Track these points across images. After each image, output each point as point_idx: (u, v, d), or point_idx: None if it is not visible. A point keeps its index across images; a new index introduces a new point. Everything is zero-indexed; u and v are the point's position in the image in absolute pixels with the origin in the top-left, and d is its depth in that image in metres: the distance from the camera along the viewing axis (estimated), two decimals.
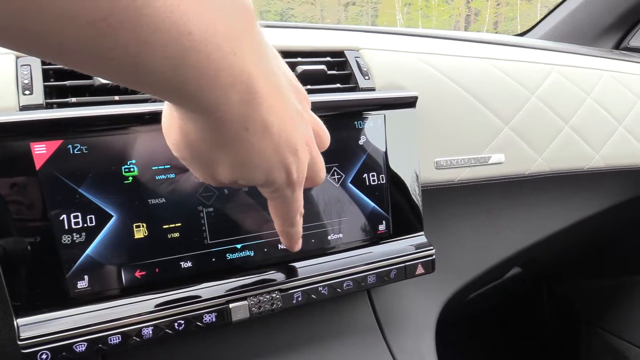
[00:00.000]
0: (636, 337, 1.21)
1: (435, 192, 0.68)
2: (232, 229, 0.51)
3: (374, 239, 0.60)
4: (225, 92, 0.25)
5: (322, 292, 0.56)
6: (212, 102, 0.25)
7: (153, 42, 0.21)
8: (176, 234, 0.48)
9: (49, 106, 0.47)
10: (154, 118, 0.45)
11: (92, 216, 0.45)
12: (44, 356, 0.43)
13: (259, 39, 0.27)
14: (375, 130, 0.58)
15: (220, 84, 0.25)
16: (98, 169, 0.45)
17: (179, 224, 0.48)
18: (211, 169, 0.31)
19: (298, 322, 0.63)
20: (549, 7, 1.24)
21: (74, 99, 0.48)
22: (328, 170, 0.56)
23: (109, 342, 0.46)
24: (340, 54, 0.64)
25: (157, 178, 0.47)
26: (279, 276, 0.53)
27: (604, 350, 1.30)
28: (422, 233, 0.63)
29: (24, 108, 0.46)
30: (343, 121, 0.56)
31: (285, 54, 0.61)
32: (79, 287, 0.45)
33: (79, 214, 0.44)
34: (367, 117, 0.58)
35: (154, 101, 0.47)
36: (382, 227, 0.60)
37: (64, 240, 0.44)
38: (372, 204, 0.59)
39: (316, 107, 0.53)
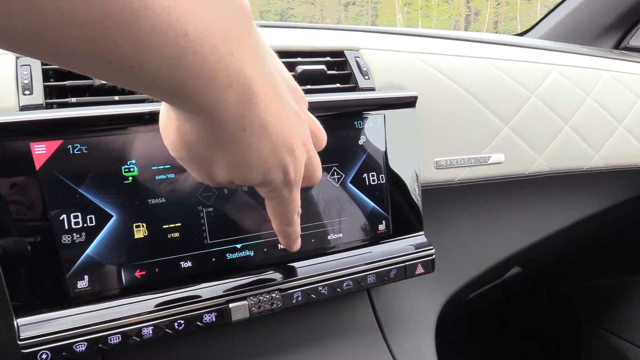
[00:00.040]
0: (636, 337, 1.21)
1: (435, 192, 0.68)
2: (232, 229, 0.51)
3: (374, 238, 0.60)
4: (222, 93, 0.25)
5: (322, 292, 0.56)
6: (209, 102, 0.26)
7: (150, 44, 0.21)
8: (176, 234, 0.48)
9: (48, 106, 0.47)
10: (154, 118, 0.45)
11: (92, 216, 0.45)
12: (44, 356, 0.43)
13: (255, 40, 0.27)
14: (375, 130, 0.58)
15: (217, 85, 0.25)
16: (98, 169, 0.45)
17: (179, 224, 0.49)
18: (208, 169, 0.31)
19: (298, 322, 0.63)
20: (549, 7, 1.24)
21: (73, 99, 0.48)
22: (328, 170, 0.56)
23: (109, 342, 0.46)
24: (340, 53, 0.65)
25: (157, 178, 0.47)
26: (278, 276, 0.53)
27: (604, 350, 1.30)
28: (422, 233, 0.63)
29: (24, 108, 0.46)
30: (343, 121, 0.56)
31: (285, 54, 0.61)
32: (79, 287, 0.45)
33: (79, 214, 0.44)
34: (366, 117, 0.58)
35: (154, 101, 0.46)
36: (382, 227, 0.60)
37: (64, 240, 0.44)
38: (372, 203, 0.59)
39: (316, 107, 0.53)
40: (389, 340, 0.67)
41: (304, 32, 0.71)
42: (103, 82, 0.48)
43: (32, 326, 0.44)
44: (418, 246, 0.62)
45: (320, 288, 0.55)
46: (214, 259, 0.51)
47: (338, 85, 0.62)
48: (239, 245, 0.52)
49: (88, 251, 0.45)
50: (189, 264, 0.49)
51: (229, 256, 0.51)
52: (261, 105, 0.28)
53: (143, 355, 0.54)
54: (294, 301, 0.54)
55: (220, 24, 0.24)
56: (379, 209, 0.59)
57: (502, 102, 0.73)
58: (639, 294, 1.22)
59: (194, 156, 0.31)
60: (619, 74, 0.88)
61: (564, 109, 0.79)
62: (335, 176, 0.56)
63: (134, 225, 0.47)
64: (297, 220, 0.39)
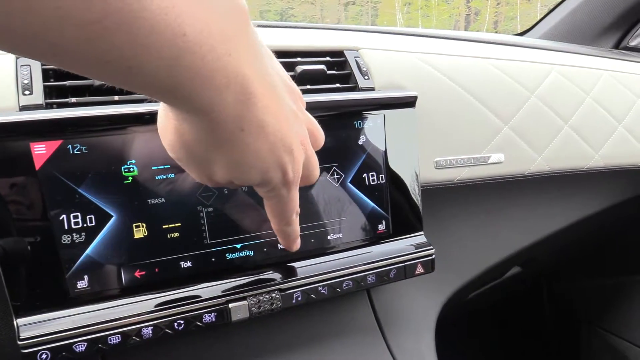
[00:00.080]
0: (636, 337, 1.21)
1: (435, 192, 0.68)
2: (232, 229, 0.51)
3: (374, 238, 0.60)
4: (220, 93, 0.25)
5: (322, 291, 0.56)
6: (207, 102, 0.26)
7: (148, 44, 0.21)
8: (176, 234, 0.48)
9: (48, 106, 0.47)
10: (154, 118, 0.45)
11: (92, 216, 0.45)
12: (43, 356, 0.43)
13: (253, 40, 0.27)
14: (374, 130, 0.58)
15: (215, 85, 0.25)
16: (98, 169, 0.45)
17: (179, 224, 0.49)
18: (207, 169, 0.31)
19: (298, 322, 0.63)
20: (549, 7, 1.24)
21: (73, 99, 0.48)
22: (328, 170, 0.56)
23: (109, 342, 0.46)
24: (339, 53, 0.65)
25: (156, 178, 0.47)
26: (278, 276, 0.53)
27: (604, 349, 1.30)
28: (422, 233, 0.63)
29: (23, 108, 0.46)
30: (342, 121, 0.56)
31: (285, 54, 0.61)
32: (78, 287, 0.45)
33: (79, 214, 0.44)
34: (366, 117, 0.58)
35: (154, 101, 0.46)
36: (381, 227, 0.60)
37: (64, 240, 0.44)
38: (372, 203, 0.59)
39: (316, 107, 0.53)
40: (388, 340, 0.67)
41: (303, 32, 0.71)
42: (103, 82, 0.48)
43: (32, 326, 0.44)
44: (418, 246, 0.62)
45: (320, 288, 0.55)
46: (213, 259, 0.51)
47: (338, 85, 0.62)
48: (238, 245, 0.52)
49: (88, 251, 0.45)
50: (188, 264, 0.49)
51: (229, 256, 0.52)
52: (259, 105, 0.28)
53: (143, 355, 0.54)
54: (294, 301, 0.54)
55: (218, 24, 0.24)
56: (379, 208, 0.59)
57: (502, 102, 0.73)
58: (638, 293, 1.22)
59: (193, 156, 0.31)
60: (618, 73, 0.88)
61: (563, 109, 0.79)
62: (335, 176, 0.56)
63: (134, 225, 0.47)
64: (296, 219, 0.39)
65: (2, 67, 0.47)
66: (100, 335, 0.45)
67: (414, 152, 0.62)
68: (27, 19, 0.19)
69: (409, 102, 0.61)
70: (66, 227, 0.44)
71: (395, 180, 0.60)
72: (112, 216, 0.46)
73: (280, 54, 0.60)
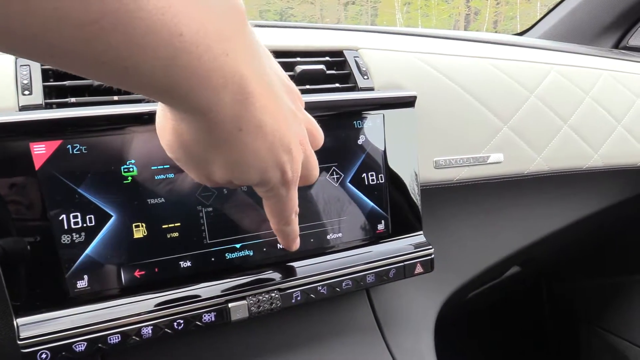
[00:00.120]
0: (636, 336, 1.21)
1: (434, 192, 0.68)
2: (231, 229, 0.51)
3: (373, 238, 0.60)
4: (218, 93, 0.25)
5: (321, 291, 0.56)
6: (204, 102, 0.26)
7: (144, 44, 0.22)
8: (175, 234, 0.49)
9: (48, 106, 0.47)
10: (153, 118, 0.45)
11: (92, 216, 0.45)
12: (43, 356, 0.43)
13: (250, 39, 0.27)
14: (374, 130, 0.58)
15: (212, 85, 0.25)
16: (97, 169, 0.45)
17: (178, 224, 0.49)
18: (206, 169, 0.31)
19: (297, 321, 0.63)
20: (549, 6, 1.24)
21: (73, 99, 0.48)
22: (327, 170, 0.56)
23: (109, 342, 0.46)
24: (339, 53, 0.65)
25: (156, 178, 0.47)
26: (278, 276, 0.54)
27: (604, 349, 1.30)
28: (421, 232, 0.63)
29: (23, 108, 0.46)
30: (342, 121, 0.57)
31: (285, 53, 0.61)
32: (78, 287, 0.45)
33: (79, 213, 0.44)
34: (366, 117, 0.58)
35: (153, 101, 0.47)
36: (381, 227, 0.60)
37: (64, 240, 0.44)
38: (371, 203, 0.59)
39: (315, 107, 0.53)
40: (388, 340, 0.67)
41: (303, 32, 0.71)
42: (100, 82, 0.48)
43: (31, 326, 0.44)
44: (417, 246, 0.62)
45: (319, 288, 0.56)
46: (213, 259, 0.51)
47: (337, 85, 0.62)
48: (238, 245, 0.52)
49: (87, 251, 0.45)
50: (188, 263, 0.50)
51: (228, 256, 0.52)
52: (257, 105, 0.28)
53: (142, 355, 0.55)
54: (293, 301, 0.54)
55: (214, 24, 0.24)
56: (378, 208, 0.60)
57: (501, 101, 0.73)
58: (638, 293, 1.22)
59: (191, 156, 0.31)
60: (618, 73, 0.88)
61: (563, 109, 0.79)
62: (335, 176, 0.56)
63: (134, 225, 0.47)
64: (295, 219, 0.39)
65: (1, 67, 0.47)
66: (100, 335, 0.45)
67: (413, 152, 0.62)
68: (27, 20, 0.19)
69: (408, 102, 0.61)
70: (66, 227, 0.44)
71: (394, 180, 0.60)
72: (111, 216, 0.46)
73: (279, 54, 0.60)
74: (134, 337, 0.47)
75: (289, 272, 0.54)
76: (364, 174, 0.58)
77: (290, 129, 0.31)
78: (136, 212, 0.47)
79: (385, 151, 0.59)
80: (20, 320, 0.43)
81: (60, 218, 0.44)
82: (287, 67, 0.59)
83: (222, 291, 0.51)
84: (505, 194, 0.79)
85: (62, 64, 0.22)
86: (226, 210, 0.51)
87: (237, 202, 0.51)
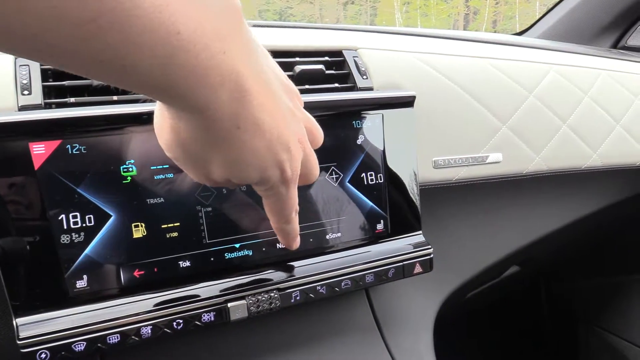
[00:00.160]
0: (635, 336, 1.21)
1: (433, 192, 0.68)
2: (231, 229, 0.51)
3: (372, 238, 0.60)
4: (215, 91, 0.25)
5: (321, 291, 0.56)
6: (202, 100, 0.26)
7: (142, 43, 0.22)
8: (175, 234, 0.49)
9: (47, 106, 0.47)
10: (152, 118, 0.45)
11: (91, 216, 0.45)
12: (43, 355, 0.44)
13: (247, 38, 0.27)
14: (373, 130, 0.58)
15: (210, 83, 0.25)
16: (96, 169, 0.45)
17: (178, 224, 0.49)
18: (204, 168, 0.31)
19: (296, 321, 0.63)
20: (548, 6, 1.25)
21: (72, 99, 0.48)
22: (326, 169, 0.56)
23: (108, 342, 0.46)
24: (338, 53, 0.65)
25: (155, 178, 0.47)
26: (277, 275, 0.54)
27: (603, 349, 1.30)
28: (420, 232, 0.63)
29: (22, 108, 0.46)
30: (341, 121, 0.57)
31: (284, 53, 0.61)
32: (77, 287, 0.45)
33: (78, 213, 0.44)
34: (365, 117, 0.58)
35: (152, 101, 0.47)
36: (380, 226, 0.60)
37: (63, 240, 0.44)
38: (370, 203, 0.59)
39: (314, 107, 0.54)
40: (387, 340, 0.67)
41: (302, 32, 0.71)
42: (98, 81, 0.48)
43: (31, 326, 0.44)
44: (416, 245, 0.62)
45: (318, 287, 0.56)
46: (212, 259, 0.51)
47: (336, 84, 0.62)
48: (237, 245, 0.52)
49: (87, 251, 0.45)
50: (187, 263, 0.50)
51: (228, 256, 0.52)
52: (254, 103, 0.28)
53: (142, 355, 0.55)
54: (293, 300, 0.54)
55: (211, 22, 0.24)
56: (377, 208, 0.60)
57: (500, 101, 0.73)
58: (637, 292, 1.22)
59: (189, 155, 0.31)
60: (617, 73, 0.88)
61: (562, 109, 0.79)
62: (334, 176, 0.56)
63: (133, 225, 0.47)
64: (295, 218, 0.39)
65: (1, 67, 0.47)
66: (99, 334, 0.45)
67: (412, 152, 0.62)
68: (26, 20, 0.19)
69: (407, 102, 0.61)
70: (65, 227, 0.44)
71: (393, 179, 0.61)
72: (111, 216, 0.46)
73: (279, 53, 0.60)
74: (133, 337, 0.47)
75: (288, 272, 0.54)
76: (363, 174, 0.58)
77: (288, 127, 0.31)
78: (135, 212, 0.47)
79: (384, 151, 0.59)
80: (19, 320, 0.43)
81: (60, 218, 0.44)
82: (287, 67, 0.59)
83: (221, 291, 0.51)
84: (504, 194, 0.79)
85: (62, 64, 0.22)
86: (225, 210, 0.51)
87: (236, 202, 0.51)
